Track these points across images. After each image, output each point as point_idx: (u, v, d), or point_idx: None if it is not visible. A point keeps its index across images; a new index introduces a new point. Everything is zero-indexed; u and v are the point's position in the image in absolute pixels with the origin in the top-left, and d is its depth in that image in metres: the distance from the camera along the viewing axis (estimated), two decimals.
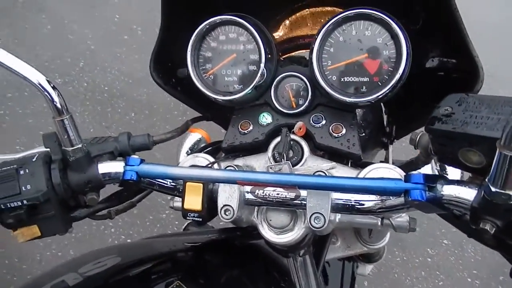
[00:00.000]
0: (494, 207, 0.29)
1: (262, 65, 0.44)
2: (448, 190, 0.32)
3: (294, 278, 0.47)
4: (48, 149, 0.38)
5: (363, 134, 0.59)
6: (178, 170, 0.37)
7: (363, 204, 0.37)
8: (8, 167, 0.36)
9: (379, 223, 0.42)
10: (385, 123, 0.62)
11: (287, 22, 0.61)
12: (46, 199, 0.35)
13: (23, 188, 0.35)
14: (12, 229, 0.36)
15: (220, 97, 0.45)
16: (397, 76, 0.40)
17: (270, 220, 0.41)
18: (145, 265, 0.46)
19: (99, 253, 0.48)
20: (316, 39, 0.43)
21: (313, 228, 0.37)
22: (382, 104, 0.62)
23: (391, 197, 0.35)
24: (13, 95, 1.61)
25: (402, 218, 0.42)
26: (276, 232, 0.41)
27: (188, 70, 0.47)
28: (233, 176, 0.35)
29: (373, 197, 0.36)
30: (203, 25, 0.46)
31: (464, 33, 0.41)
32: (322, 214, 0.36)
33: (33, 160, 0.37)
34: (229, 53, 0.47)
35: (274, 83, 0.46)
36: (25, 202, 0.35)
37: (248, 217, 0.41)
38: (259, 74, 0.44)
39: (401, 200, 0.34)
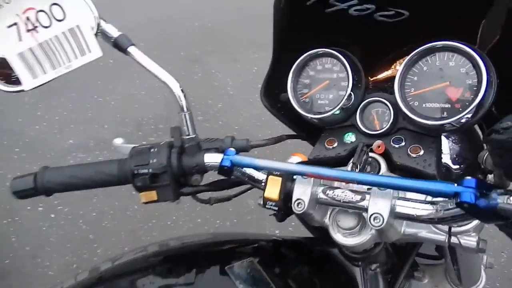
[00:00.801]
0: None
1: (349, 89, 0.51)
2: (503, 198, 0.33)
3: None
4: (172, 138, 0.50)
5: (457, 168, 0.59)
6: (263, 162, 0.45)
7: (422, 211, 0.39)
8: (145, 146, 0.49)
9: (446, 240, 0.43)
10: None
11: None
12: (164, 171, 0.47)
13: (150, 160, 0.47)
14: (139, 191, 0.48)
15: (311, 115, 0.53)
16: (477, 101, 0.43)
17: (339, 221, 0.45)
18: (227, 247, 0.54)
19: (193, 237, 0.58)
20: (400, 68, 0.48)
21: (373, 227, 0.40)
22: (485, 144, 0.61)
23: (448, 205, 0.37)
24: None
25: (470, 237, 0.42)
26: (344, 234, 0.45)
27: (288, 94, 0.56)
28: (304, 170, 0.42)
29: (431, 206, 0.39)
30: (303, 56, 0.55)
31: None
32: (381, 214, 0.40)
33: (161, 144, 0.49)
34: (323, 80, 0.55)
35: (361, 106, 0.52)
36: (150, 170, 0.47)
37: (321, 218, 0.47)
38: (345, 98, 0.51)
39: (458, 209, 0.36)
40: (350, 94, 0.51)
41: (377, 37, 0.53)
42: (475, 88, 0.44)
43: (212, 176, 0.52)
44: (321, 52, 0.54)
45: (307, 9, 0.53)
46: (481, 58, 0.43)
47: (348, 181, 0.40)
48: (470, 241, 0.42)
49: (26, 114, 2.10)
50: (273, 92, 0.63)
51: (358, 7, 0.52)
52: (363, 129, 0.51)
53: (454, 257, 0.57)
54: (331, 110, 0.52)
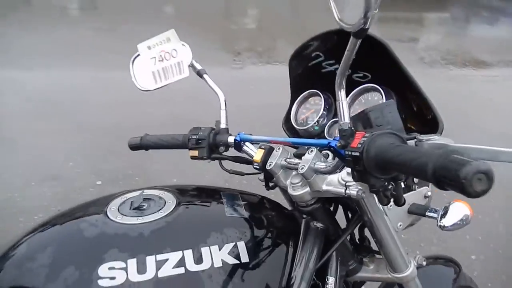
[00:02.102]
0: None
1: (321, 112, 0.84)
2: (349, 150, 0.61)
3: (301, 238, 0.76)
4: (215, 126, 0.88)
5: None
6: (255, 137, 0.79)
7: (323, 166, 0.68)
8: (199, 127, 0.88)
9: (343, 192, 0.69)
10: None
11: None
12: (203, 139, 0.84)
13: (199, 133, 0.85)
14: (189, 149, 0.85)
15: (303, 128, 0.87)
16: None
17: (291, 179, 0.75)
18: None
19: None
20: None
21: (300, 172, 0.69)
22: None
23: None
24: None
25: (352, 188, 0.66)
26: (292, 187, 0.74)
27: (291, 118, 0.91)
28: (271, 139, 0.75)
29: (324, 164, 0.67)
30: (301, 95, 0.90)
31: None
32: (304, 165, 0.69)
33: (207, 127, 0.87)
34: (313, 108, 0.89)
35: (328, 124, 0.85)
36: (197, 137, 0.84)
37: (285, 180, 0.77)
38: (319, 117, 0.84)
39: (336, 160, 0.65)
40: (322, 115, 0.84)
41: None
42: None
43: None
44: (311, 92, 0.89)
45: (309, 67, 0.90)
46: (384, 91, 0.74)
47: (282, 142, 0.72)
48: (352, 190, 0.67)
49: None
50: (288, 120, 0.98)
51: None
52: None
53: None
54: (313, 125, 0.85)
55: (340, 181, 0.69)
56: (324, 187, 0.71)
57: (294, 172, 0.74)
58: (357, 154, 0.54)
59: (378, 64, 0.78)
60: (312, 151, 0.69)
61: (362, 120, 0.63)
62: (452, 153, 0.42)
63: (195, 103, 2.92)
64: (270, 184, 0.83)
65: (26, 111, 3.29)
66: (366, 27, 0.50)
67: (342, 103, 0.58)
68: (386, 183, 0.57)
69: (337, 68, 0.85)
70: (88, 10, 7.16)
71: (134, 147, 0.93)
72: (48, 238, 0.66)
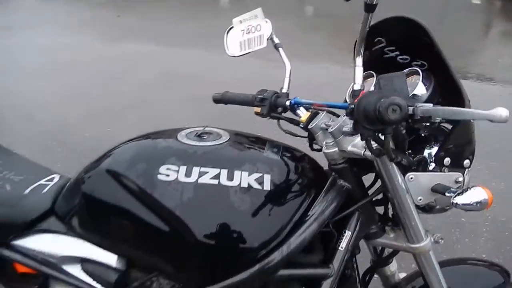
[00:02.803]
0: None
1: None
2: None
3: (324, 190, 0.87)
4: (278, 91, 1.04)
5: None
6: (304, 100, 0.93)
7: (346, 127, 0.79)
8: (266, 90, 1.04)
9: (362, 153, 0.79)
10: None
11: None
12: (266, 98, 1.00)
13: (264, 94, 1.01)
14: (255, 107, 1.03)
15: None
16: None
17: (325, 139, 0.88)
18: None
19: None
20: None
21: (330, 131, 0.81)
22: None
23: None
24: None
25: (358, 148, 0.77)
26: (325, 146, 0.87)
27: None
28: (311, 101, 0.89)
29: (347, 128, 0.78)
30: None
31: None
32: (332, 128, 0.81)
33: (269, 90, 1.03)
34: (367, 88, 0.98)
35: None
36: (261, 97, 1.01)
37: (322, 140, 0.90)
38: None
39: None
40: None
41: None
42: None
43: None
44: (368, 73, 0.97)
45: (371, 51, 0.98)
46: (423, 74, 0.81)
47: (321, 105, 0.85)
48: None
49: None
50: None
51: (401, 57, 0.95)
52: None
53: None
54: None
55: (363, 144, 0.80)
56: (349, 148, 0.82)
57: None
58: (353, 106, 0.65)
59: (427, 49, 0.85)
60: (344, 115, 0.81)
61: (376, 85, 0.73)
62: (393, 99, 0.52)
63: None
64: (315, 146, 0.96)
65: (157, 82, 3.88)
66: (374, 2, 0.61)
67: (356, 68, 0.70)
68: (375, 134, 0.67)
69: (398, 55, 0.94)
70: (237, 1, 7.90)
71: (216, 100, 1.14)
72: (131, 147, 0.92)
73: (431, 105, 0.65)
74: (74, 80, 3.91)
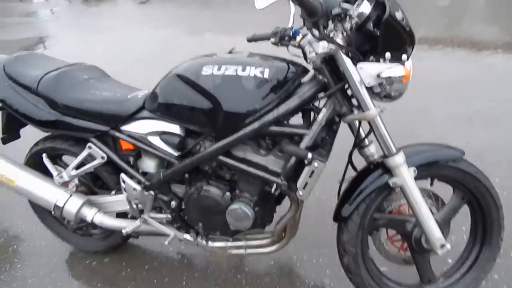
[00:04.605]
0: None
1: None
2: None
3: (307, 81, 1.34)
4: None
5: None
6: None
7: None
8: (278, 26, 1.53)
9: (324, 51, 1.25)
10: None
11: None
12: (278, 32, 1.47)
13: (277, 29, 1.50)
14: (270, 38, 1.51)
15: None
16: None
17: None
18: None
19: None
20: None
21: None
22: None
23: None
24: None
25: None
26: (308, 54, 1.33)
27: None
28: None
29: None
30: None
31: None
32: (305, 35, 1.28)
33: (282, 27, 1.51)
34: None
35: None
36: (275, 30, 1.49)
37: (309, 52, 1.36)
38: None
39: None
40: None
41: None
42: None
43: None
44: None
45: None
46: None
47: None
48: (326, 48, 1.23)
49: None
50: None
51: None
52: None
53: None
54: None
55: (326, 45, 1.26)
56: (320, 50, 1.28)
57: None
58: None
59: None
60: None
61: None
62: None
63: None
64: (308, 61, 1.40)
65: None
66: None
67: None
68: (315, 25, 1.13)
69: None
70: None
71: (249, 39, 1.64)
72: (188, 61, 1.47)
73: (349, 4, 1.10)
74: (166, 64, 4.69)
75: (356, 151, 1.47)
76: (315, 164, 1.29)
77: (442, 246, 1.39)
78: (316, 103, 1.38)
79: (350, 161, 1.49)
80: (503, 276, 1.66)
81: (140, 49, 5.35)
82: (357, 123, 1.41)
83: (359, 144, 1.45)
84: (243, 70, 1.32)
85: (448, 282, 1.54)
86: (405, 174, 1.32)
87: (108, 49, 5.51)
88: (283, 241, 1.63)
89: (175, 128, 1.48)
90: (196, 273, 1.89)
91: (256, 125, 1.32)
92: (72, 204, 1.72)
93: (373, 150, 1.47)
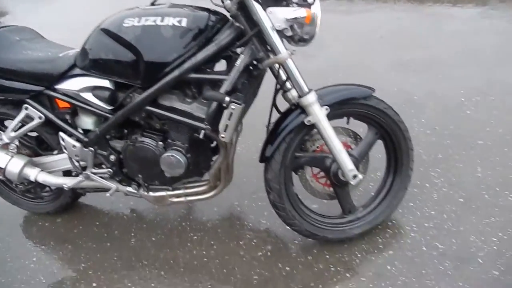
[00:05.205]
0: None
1: None
2: None
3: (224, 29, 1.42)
4: None
5: None
6: None
7: None
8: None
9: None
10: None
11: None
12: None
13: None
14: None
15: None
16: None
17: None
18: None
19: None
20: None
21: None
22: None
23: None
24: None
25: None
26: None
27: None
28: None
29: None
30: None
31: None
32: None
33: None
34: None
35: None
36: None
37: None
38: None
39: None
40: None
41: None
42: None
43: None
44: None
45: None
46: None
47: None
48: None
49: None
50: None
51: None
52: None
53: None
54: None
55: None
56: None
57: None
58: None
59: None
60: None
61: None
62: None
63: None
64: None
65: None
66: None
67: None
68: None
69: None
70: None
71: None
72: (112, 15, 1.52)
73: None
74: None
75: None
76: (232, 106, 1.39)
77: (355, 176, 1.54)
78: (239, 50, 1.47)
79: (274, 104, 1.60)
80: (417, 204, 1.85)
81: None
82: (277, 67, 1.51)
83: (281, 88, 1.56)
84: (162, 20, 1.39)
85: (366, 211, 1.72)
86: (317, 112, 1.44)
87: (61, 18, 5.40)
88: (220, 187, 1.75)
89: (105, 83, 1.55)
90: (145, 224, 2.01)
91: (176, 73, 1.40)
92: (14, 165, 1.78)
93: (295, 93, 1.58)
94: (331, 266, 1.63)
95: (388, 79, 2.91)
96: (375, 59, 3.25)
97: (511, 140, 2.19)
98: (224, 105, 1.40)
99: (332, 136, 1.48)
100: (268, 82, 1.61)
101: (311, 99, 1.43)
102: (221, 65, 1.52)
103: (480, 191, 1.89)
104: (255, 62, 1.46)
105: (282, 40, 1.42)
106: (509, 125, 2.31)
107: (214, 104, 1.44)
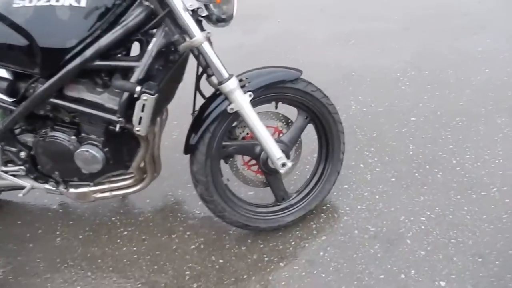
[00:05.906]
0: None
1: None
2: None
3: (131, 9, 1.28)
4: None
5: None
6: None
7: None
8: None
9: None
10: None
11: None
12: None
13: None
14: None
15: None
16: None
17: None
18: None
19: None
20: None
21: None
22: None
23: None
24: None
25: None
26: None
27: None
28: None
29: None
30: None
31: None
32: None
33: None
34: None
35: None
36: None
37: None
38: None
39: None
40: None
41: None
42: None
43: None
44: None
45: None
46: None
47: None
48: None
49: None
50: None
51: None
52: None
53: None
54: None
55: None
56: None
57: None
58: None
59: None
60: None
61: None
62: None
63: None
64: None
65: None
66: None
67: None
68: None
69: None
70: None
71: None
72: None
73: None
74: None
75: None
76: (144, 97, 1.27)
77: (284, 164, 1.48)
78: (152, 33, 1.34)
79: (197, 89, 1.49)
80: (351, 186, 1.84)
81: None
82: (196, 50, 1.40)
83: (204, 72, 1.45)
84: (58, 0, 1.22)
85: (299, 197, 1.68)
86: (239, 99, 1.35)
87: None
88: (147, 179, 1.64)
89: (2, 72, 1.37)
90: (71, 221, 1.87)
91: (78, 61, 1.25)
92: None
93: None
94: (265, 255, 1.59)
95: (327, 54, 2.86)
96: (315, 32, 3.18)
97: (442, 116, 2.22)
98: (136, 95, 1.28)
99: (257, 124, 1.40)
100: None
101: (232, 86, 1.34)
102: None
103: (412, 170, 1.90)
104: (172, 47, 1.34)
105: (200, 21, 1.30)
106: (440, 100, 2.34)
107: (126, 95, 1.31)
